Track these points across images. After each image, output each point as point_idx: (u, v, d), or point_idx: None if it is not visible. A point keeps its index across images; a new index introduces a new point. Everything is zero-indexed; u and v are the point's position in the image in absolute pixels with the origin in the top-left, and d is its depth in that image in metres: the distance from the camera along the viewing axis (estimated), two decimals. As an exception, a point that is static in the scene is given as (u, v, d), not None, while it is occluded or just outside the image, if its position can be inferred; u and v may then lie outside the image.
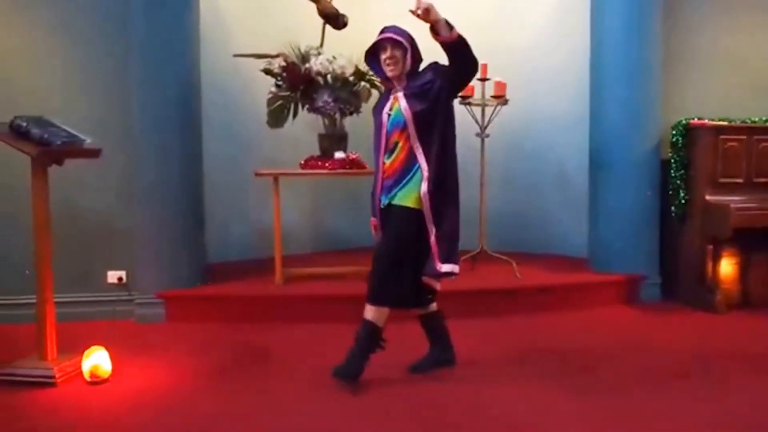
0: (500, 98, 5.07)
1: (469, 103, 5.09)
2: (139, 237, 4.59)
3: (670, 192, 5.02)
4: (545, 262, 5.51)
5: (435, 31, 3.20)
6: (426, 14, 3.15)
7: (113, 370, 3.55)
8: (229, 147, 5.68)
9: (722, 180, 4.81)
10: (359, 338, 3.36)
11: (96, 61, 4.62)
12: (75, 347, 3.69)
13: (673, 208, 5.01)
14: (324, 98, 4.82)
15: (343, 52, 4.92)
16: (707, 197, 4.79)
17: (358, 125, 5.30)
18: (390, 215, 3.43)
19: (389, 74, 3.41)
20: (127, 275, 4.67)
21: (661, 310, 4.87)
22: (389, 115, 3.42)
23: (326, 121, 5.02)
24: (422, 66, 3.47)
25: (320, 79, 4.84)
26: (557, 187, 5.97)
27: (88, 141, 3.72)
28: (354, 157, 4.85)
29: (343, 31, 5.14)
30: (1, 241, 4.52)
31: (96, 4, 4.62)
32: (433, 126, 3.34)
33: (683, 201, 4.94)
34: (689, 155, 4.92)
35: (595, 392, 3.30)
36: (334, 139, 4.99)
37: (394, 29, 3.40)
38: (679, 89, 5.25)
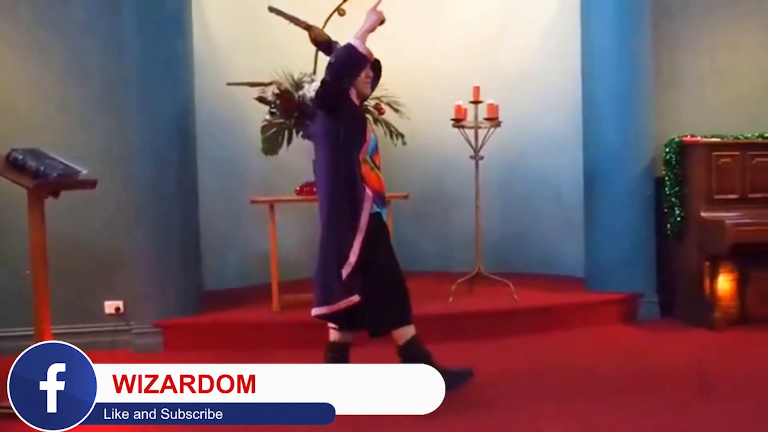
0: (493, 120, 5.09)
1: (462, 126, 5.11)
2: (136, 267, 4.58)
3: (666, 209, 5.03)
4: (542, 283, 5.50)
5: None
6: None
7: (111, 401, 3.52)
8: (224, 175, 5.68)
9: (717, 196, 4.82)
10: (421, 356, 3.26)
11: (92, 92, 4.64)
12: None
13: (668, 225, 5.02)
14: (317, 124, 4.83)
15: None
16: (702, 214, 4.80)
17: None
18: (382, 228, 3.43)
19: (367, 92, 3.50)
20: (125, 305, 4.66)
21: (660, 328, 4.86)
22: (373, 135, 3.50)
23: (320, 148, 5.02)
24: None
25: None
26: (553, 206, 5.97)
27: (84, 172, 3.75)
28: (348, 181, 4.85)
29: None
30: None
31: (89, 35, 4.64)
32: None
33: (679, 218, 4.95)
34: (683, 172, 4.94)
35: (595, 411, 3.28)
36: (329, 164, 4.99)
37: None
38: (672, 107, 5.28)
